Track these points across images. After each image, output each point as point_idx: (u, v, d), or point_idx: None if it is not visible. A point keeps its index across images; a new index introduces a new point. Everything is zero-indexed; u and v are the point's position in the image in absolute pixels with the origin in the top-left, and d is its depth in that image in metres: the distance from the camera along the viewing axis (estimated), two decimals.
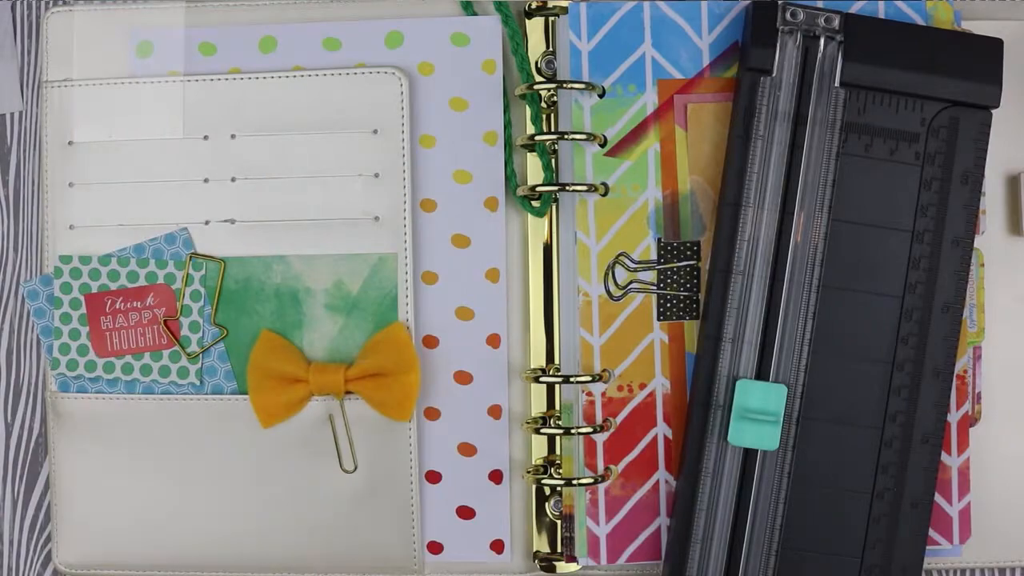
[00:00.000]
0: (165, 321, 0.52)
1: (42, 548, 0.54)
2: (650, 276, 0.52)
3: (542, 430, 0.52)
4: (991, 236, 0.52)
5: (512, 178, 0.53)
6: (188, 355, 0.52)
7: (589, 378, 0.51)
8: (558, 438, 0.52)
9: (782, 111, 0.50)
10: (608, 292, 0.52)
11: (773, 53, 0.49)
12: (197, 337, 0.52)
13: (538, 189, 0.52)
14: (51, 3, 0.54)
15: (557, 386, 0.52)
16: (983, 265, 0.52)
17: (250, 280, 0.52)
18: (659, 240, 0.52)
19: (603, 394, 0.52)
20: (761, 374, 0.50)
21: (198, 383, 0.52)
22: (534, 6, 0.52)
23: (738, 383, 0.49)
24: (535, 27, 0.53)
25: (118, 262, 0.52)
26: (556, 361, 0.52)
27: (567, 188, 0.51)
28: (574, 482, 0.51)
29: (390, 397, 0.51)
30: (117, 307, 0.52)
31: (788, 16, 0.49)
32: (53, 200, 0.53)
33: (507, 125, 0.52)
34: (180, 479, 0.52)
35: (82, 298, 0.52)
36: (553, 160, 0.52)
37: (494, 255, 0.52)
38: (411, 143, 0.52)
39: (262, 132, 0.52)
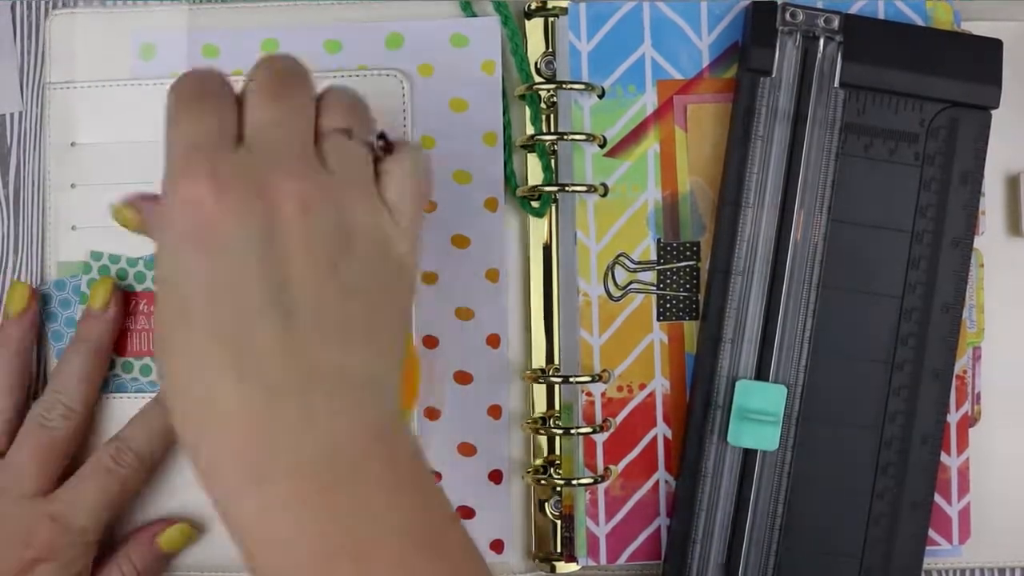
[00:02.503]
0: None
1: None
2: (650, 276, 0.52)
3: (542, 430, 0.52)
4: (991, 236, 0.52)
5: (512, 178, 0.53)
6: None
7: (589, 378, 0.51)
8: (558, 438, 0.52)
9: (782, 111, 0.50)
10: (608, 292, 0.52)
11: (773, 53, 0.50)
12: None
13: (538, 189, 0.52)
14: (52, 5, 0.54)
15: (557, 386, 0.52)
16: (983, 266, 0.52)
17: None
18: (659, 241, 0.52)
19: (603, 394, 0.52)
20: (761, 374, 0.50)
21: None
22: (534, 7, 0.53)
23: (738, 383, 0.49)
24: (535, 28, 0.53)
25: (144, 265, 0.52)
26: (556, 361, 0.52)
27: (567, 189, 0.51)
28: (574, 482, 0.51)
29: None
30: (141, 309, 0.52)
31: (788, 16, 0.49)
32: (55, 201, 0.53)
33: (507, 126, 0.53)
34: (180, 479, 0.52)
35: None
36: (553, 161, 0.52)
37: (494, 255, 0.53)
38: None
39: None
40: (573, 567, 0.52)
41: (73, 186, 0.53)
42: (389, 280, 0.40)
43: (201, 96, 0.39)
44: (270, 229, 0.37)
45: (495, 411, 0.52)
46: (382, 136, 0.42)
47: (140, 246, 0.52)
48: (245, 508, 0.36)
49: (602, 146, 0.52)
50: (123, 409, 0.52)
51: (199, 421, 0.37)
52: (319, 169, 0.39)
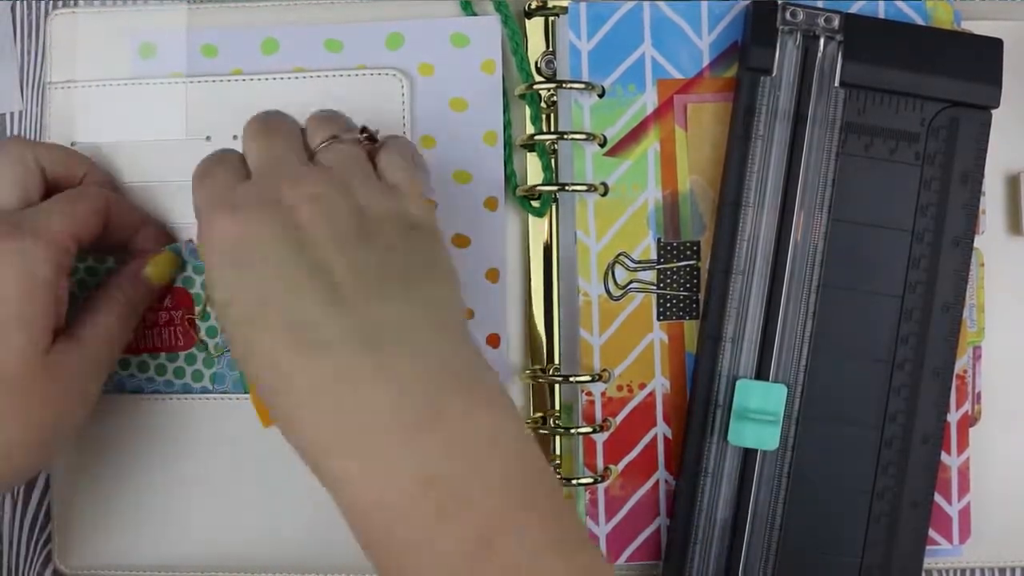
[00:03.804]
0: (185, 317, 0.51)
1: (42, 548, 0.53)
2: (650, 276, 0.52)
3: (542, 430, 0.52)
4: (991, 236, 0.52)
5: (512, 178, 0.53)
6: (208, 353, 0.52)
7: (589, 378, 0.51)
8: (558, 438, 0.52)
9: (782, 111, 0.50)
10: (608, 292, 0.52)
11: (773, 53, 0.50)
12: (214, 342, 0.52)
13: (538, 189, 0.52)
14: (53, 5, 0.54)
15: (557, 386, 0.52)
16: (983, 265, 0.52)
17: None
18: (659, 240, 0.52)
19: (603, 394, 0.52)
20: (761, 374, 0.50)
21: (210, 387, 0.52)
22: (534, 6, 0.53)
23: (738, 383, 0.49)
24: (535, 27, 0.53)
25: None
26: (556, 361, 0.52)
27: (567, 188, 0.51)
28: (574, 482, 0.51)
29: None
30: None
31: (788, 16, 0.49)
32: None
33: (507, 125, 0.52)
34: (181, 479, 0.52)
35: None
36: (553, 160, 0.52)
37: (494, 255, 0.52)
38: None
39: None
40: None
41: None
42: (414, 240, 0.43)
43: (206, 171, 0.44)
44: (294, 228, 0.40)
45: None
46: (364, 130, 0.45)
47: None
48: (334, 468, 0.39)
49: (602, 145, 0.52)
50: (140, 409, 0.52)
51: (282, 395, 0.40)
52: (319, 170, 0.43)
